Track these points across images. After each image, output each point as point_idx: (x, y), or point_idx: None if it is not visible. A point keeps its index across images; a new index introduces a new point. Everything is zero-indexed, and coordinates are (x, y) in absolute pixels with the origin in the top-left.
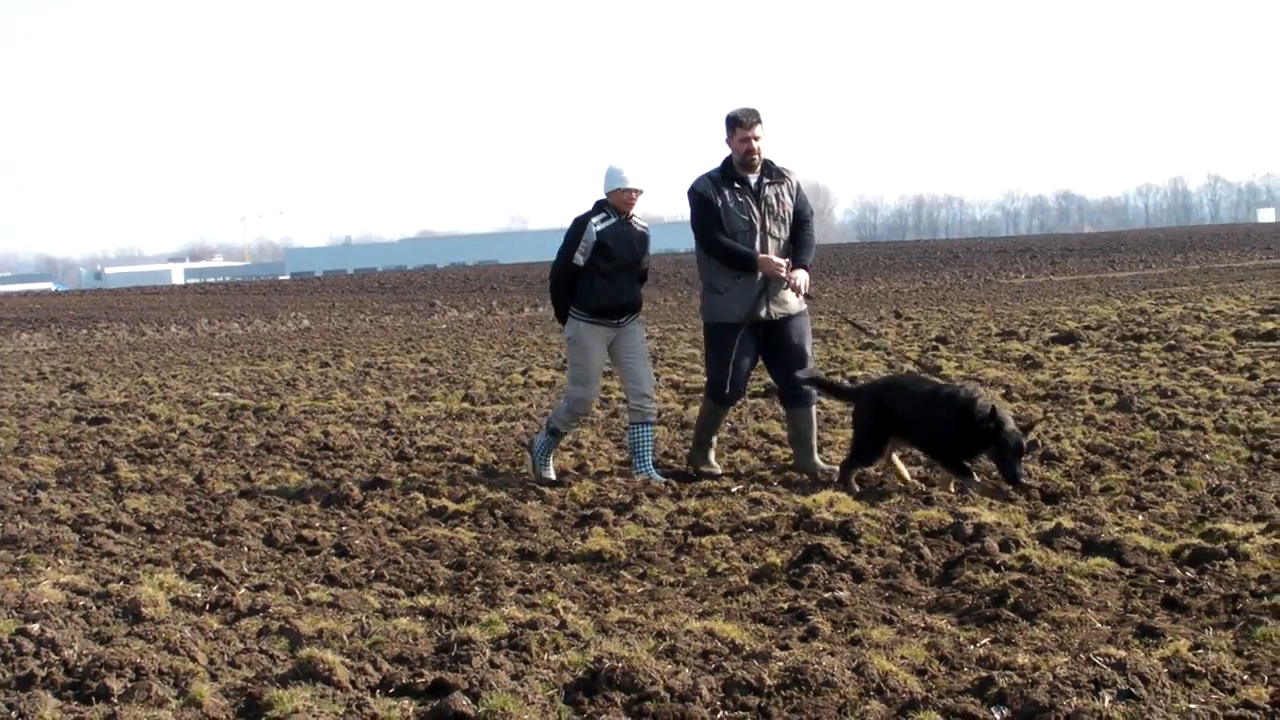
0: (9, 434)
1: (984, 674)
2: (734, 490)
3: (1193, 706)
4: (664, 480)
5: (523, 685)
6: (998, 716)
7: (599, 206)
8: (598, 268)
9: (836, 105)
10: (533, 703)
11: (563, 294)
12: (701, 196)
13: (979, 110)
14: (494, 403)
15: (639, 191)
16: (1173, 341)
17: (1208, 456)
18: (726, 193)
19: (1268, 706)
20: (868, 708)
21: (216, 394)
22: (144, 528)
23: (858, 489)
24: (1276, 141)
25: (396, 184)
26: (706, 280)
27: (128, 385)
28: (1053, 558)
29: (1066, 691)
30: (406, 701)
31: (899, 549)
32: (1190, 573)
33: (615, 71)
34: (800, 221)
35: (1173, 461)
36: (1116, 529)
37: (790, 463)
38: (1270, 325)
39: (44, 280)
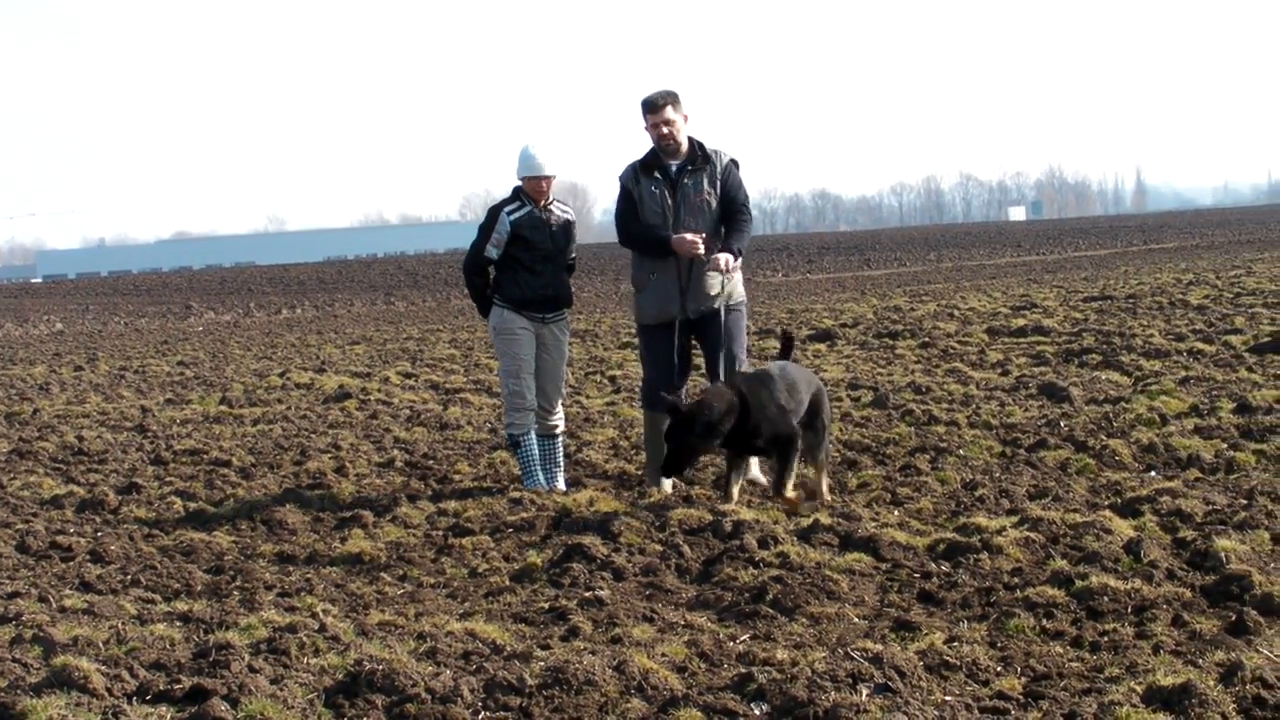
0: None
1: (743, 670)
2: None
3: (948, 698)
4: (549, 488)
5: (282, 689)
6: (757, 712)
7: (515, 194)
8: (517, 259)
9: (593, 105)
10: (292, 706)
11: (478, 287)
12: (622, 187)
13: (734, 110)
14: (252, 405)
15: (550, 178)
16: (927, 338)
17: (961, 451)
18: (644, 182)
19: (1020, 697)
20: (629, 706)
21: None
22: None
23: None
24: (1026, 142)
25: (151, 185)
26: (631, 278)
27: None
28: (811, 554)
29: (825, 686)
30: (164, 708)
31: (659, 547)
32: (945, 566)
33: (372, 68)
34: (731, 207)
35: (927, 457)
36: (873, 524)
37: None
38: (1021, 322)
39: None
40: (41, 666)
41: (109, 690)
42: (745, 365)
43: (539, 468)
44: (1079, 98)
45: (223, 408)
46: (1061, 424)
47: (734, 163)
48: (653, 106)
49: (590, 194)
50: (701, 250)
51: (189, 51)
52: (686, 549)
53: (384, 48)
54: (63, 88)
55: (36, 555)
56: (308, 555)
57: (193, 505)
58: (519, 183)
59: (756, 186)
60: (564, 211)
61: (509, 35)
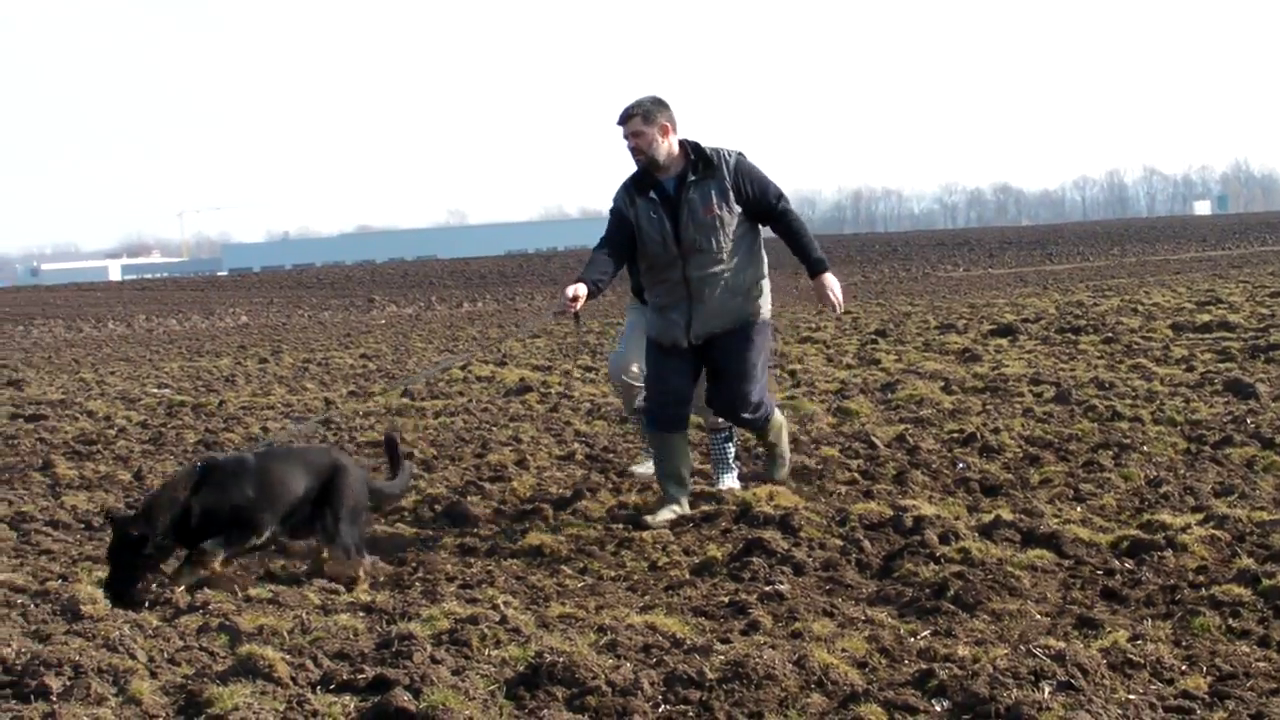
0: None
1: (924, 666)
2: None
3: (1131, 697)
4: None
5: (464, 680)
6: (938, 709)
7: None
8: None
9: (774, 97)
10: (474, 698)
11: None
12: (615, 212)
13: (917, 103)
14: (433, 398)
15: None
16: (1110, 334)
17: (1145, 448)
18: (640, 204)
19: (1205, 696)
20: (809, 700)
21: (155, 390)
22: (82, 525)
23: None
24: (1212, 134)
25: (334, 179)
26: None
27: (65, 382)
28: (992, 550)
29: (1006, 683)
30: (347, 698)
31: (839, 542)
32: (1129, 564)
33: (554, 64)
34: (766, 212)
35: (1111, 453)
36: (1055, 521)
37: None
38: (1206, 317)
39: None
40: (228, 655)
41: (293, 679)
42: (761, 393)
43: (724, 465)
44: (1267, 89)
45: (405, 400)
46: (1248, 421)
47: (742, 158)
48: (621, 118)
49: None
50: (575, 309)
51: (372, 46)
52: (867, 544)
53: (563, 40)
54: (248, 83)
55: None
56: (489, 547)
57: None
58: None
59: (938, 180)
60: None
61: (673, 30)
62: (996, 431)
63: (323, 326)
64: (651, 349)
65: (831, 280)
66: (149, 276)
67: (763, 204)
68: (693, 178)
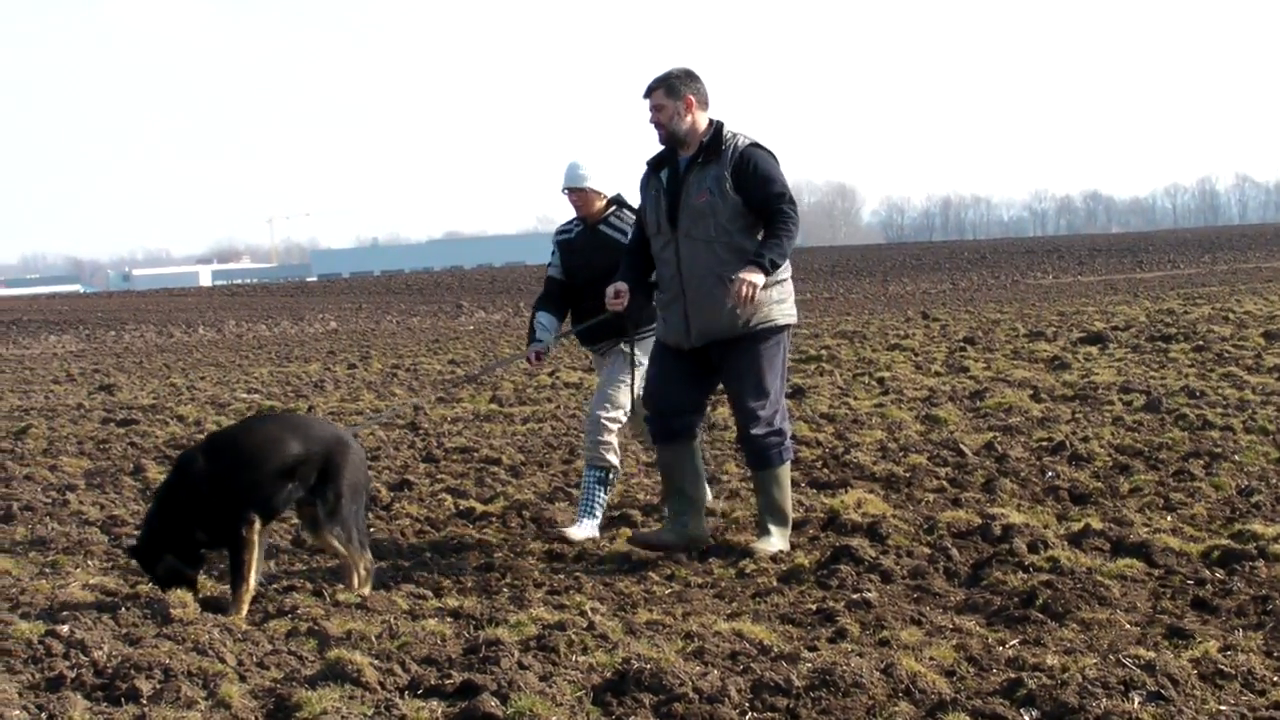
0: (38, 435)
1: (1013, 675)
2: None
3: (1222, 708)
4: (588, 539)
5: (551, 686)
6: (1027, 718)
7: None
8: (572, 285)
9: (864, 105)
10: (561, 704)
11: (537, 308)
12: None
13: (1006, 110)
14: (521, 404)
15: (584, 191)
16: (1201, 342)
17: (1237, 457)
18: (651, 183)
19: None
20: (896, 709)
21: (244, 395)
22: None
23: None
24: None
25: (423, 185)
26: None
27: (156, 387)
28: (1081, 559)
29: (1096, 693)
30: (435, 703)
31: (927, 550)
32: (1219, 574)
33: (642, 71)
34: (759, 206)
35: (1201, 462)
36: (1145, 530)
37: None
38: None
39: (72, 282)
40: (316, 659)
41: (381, 684)
42: (774, 409)
43: (590, 505)
44: None
45: (493, 406)
46: None
47: (756, 148)
48: (646, 90)
49: (859, 195)
50: (621, 306)
51: (460, 55)
52: (955, 552)
53: (655, 48)
54: (338, 90)
55: (311, 550)
56: (576, 553)
57: (463, 503)
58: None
59: (1027, 188)
60: (623, 227)
61: (763, 42)
62: (1086, 440)
63: (411, 332)
64: (658, 351)
65: (752, 275)
66: (239, 282)
67: (760, 197)
68: (700, 160)
